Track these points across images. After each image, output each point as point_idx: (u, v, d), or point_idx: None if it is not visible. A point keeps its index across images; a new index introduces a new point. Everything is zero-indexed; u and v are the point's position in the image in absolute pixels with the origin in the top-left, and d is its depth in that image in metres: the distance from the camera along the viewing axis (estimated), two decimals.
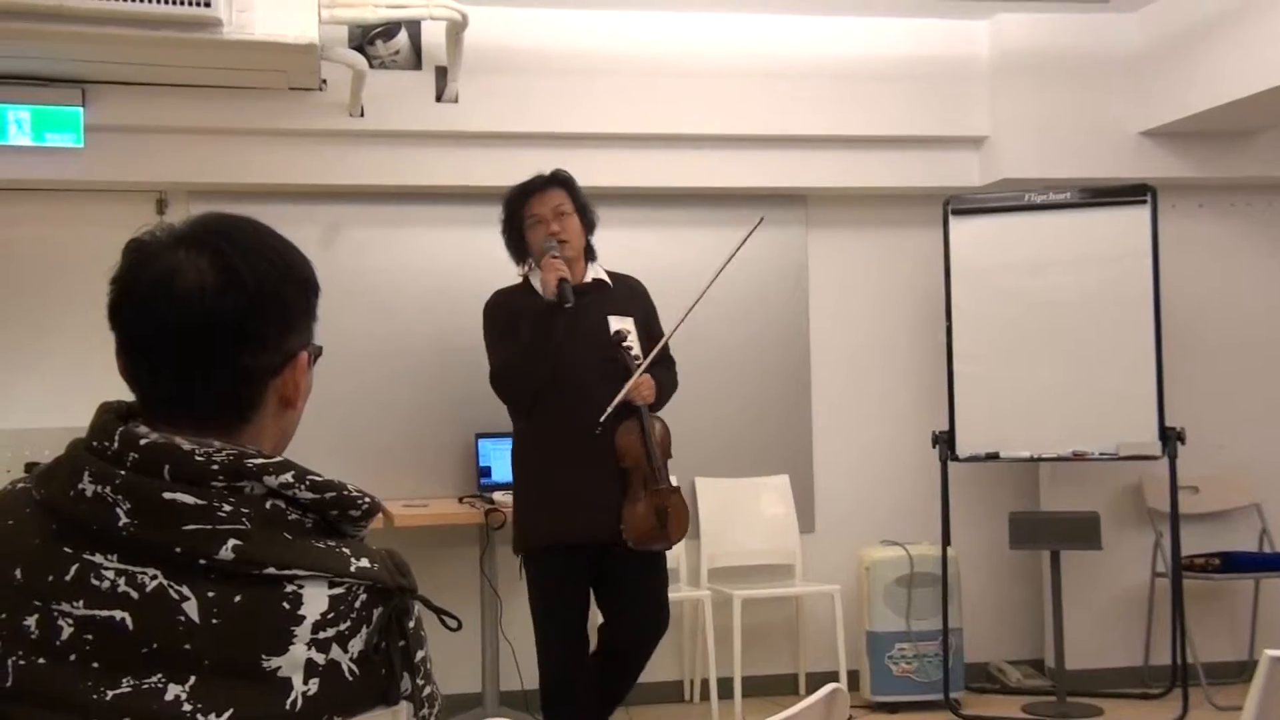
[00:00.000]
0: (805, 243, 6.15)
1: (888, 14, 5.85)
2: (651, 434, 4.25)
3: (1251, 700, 2.09)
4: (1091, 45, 5.91)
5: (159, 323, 1.29)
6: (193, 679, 1.18)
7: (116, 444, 1.25)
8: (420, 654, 1.31)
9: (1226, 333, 6.24)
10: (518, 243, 4.46)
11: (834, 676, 5.41)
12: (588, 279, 4.42)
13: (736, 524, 5.94)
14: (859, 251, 6.21)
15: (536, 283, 4.35)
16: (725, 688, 5.51)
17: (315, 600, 1.22)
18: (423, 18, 5.18)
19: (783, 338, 6.10)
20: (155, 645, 1.19)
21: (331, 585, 1.24)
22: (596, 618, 4.46)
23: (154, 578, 1.20)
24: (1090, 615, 6.00)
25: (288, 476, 1.26)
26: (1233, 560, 5.83)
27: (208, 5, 4.33)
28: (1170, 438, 5.50)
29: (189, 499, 1.21)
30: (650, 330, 4.49)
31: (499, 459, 5.51)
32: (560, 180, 4.42)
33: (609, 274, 4.51)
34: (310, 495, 1.27)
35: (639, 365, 4.27)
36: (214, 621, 1.19)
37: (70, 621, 1.20)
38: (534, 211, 4.38)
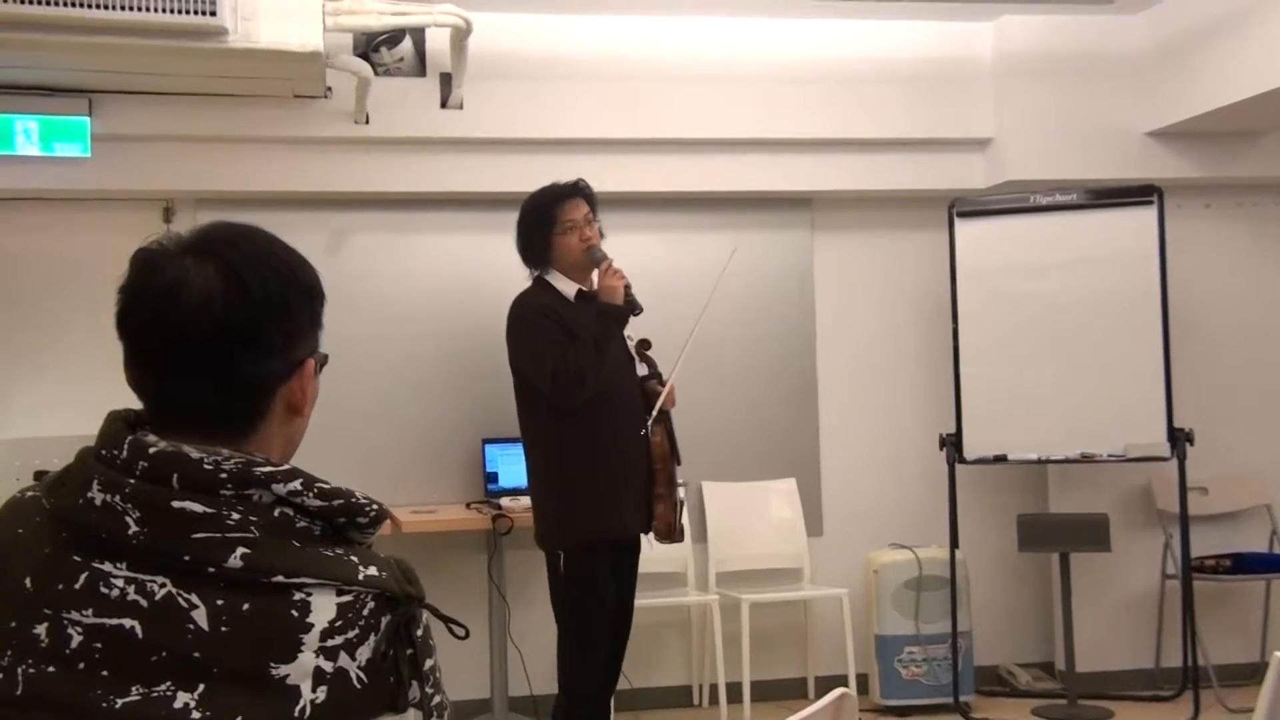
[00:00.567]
0: (811, 246, 6.15)
1: (892, 17, 5.84)
2: (676, 439, 4.50)
3: (1263, 702, 2.09)
4: (1096, 46, 5.90)
5: (166, 332, 1.29)
6: (202, 687, 1.18)
7: (125, 452, 1.25)
8: (429, 662, 1.30)
9: (1234, 332, 6.23)
10: (540, 246, 4.51)
11: (843, 680, 5.41)
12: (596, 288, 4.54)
13: (744, 528, 5.94)
14: (864, 254, 6.21)
15: (561, 286, 4.48)
16: (734, 692, 5.51)
17: (323, 608, 1.22)
18: (427, 25, 5.20)
19: (789, 341, 6.10)
20: (164, 653, 1.19)
21: (340, 593, 1.24)
22: None
23: (163, 586, 1.21)
24: (1100, 617, 5.99)
25: (296, 484, 1.26)
26: (1243, 561, 5.82)
27: (213, 14, 4.34)
28: (1179, 439, 5.49)
29: (198, 507, 1.22)
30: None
31: (506, 464, 5.51)
32: (584, 190, 4.54)
33: None
34: (318, 503, 1.27)
35: (667, 373, 4.53)
36: (223, 629, 1.19)
37: (79, 630, 1.20)
38: (569, 218, 4.47)
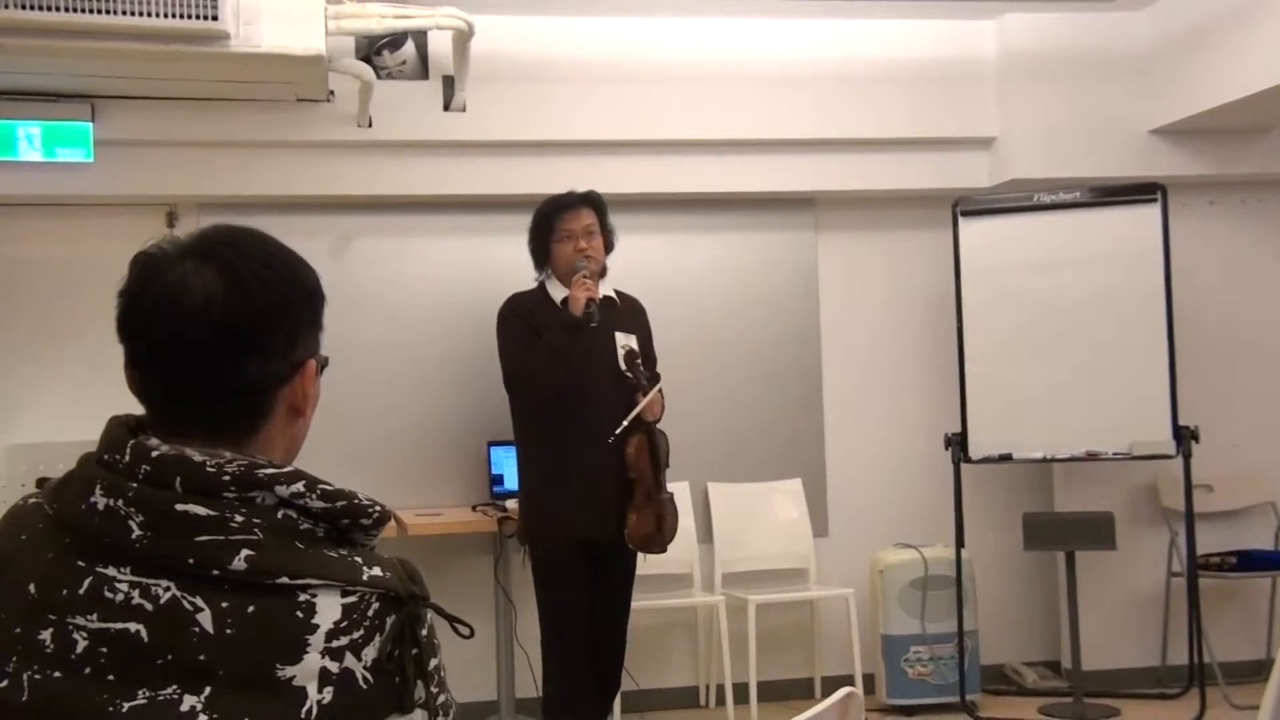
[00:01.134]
0: (815, 246, 6.15)
1: (895, 16, 5.84)
2: (659, 451, 4.54)
3: (1269, 698, 2.09)
4: (1099, 44, 5.90)
5: (167, 335, 1.29)
6: (208, 690, 1.18)
7: (128, 457, 1.25)
8: (434, 662, 1.30)
9: (1239, 330, 6.22)
10: (541, 251, 4.67)
11: (849, 680, 5.41)
12: (600, 296, 4.59)
13: (750, 529, 5.94)
14: (869, 254, 6.21)
15: (554, 291, 4.61)
16: (741, 693, 5.50)
17: (328, 609, 1.22)
18: (429, 27, 5.20)
19: (793, 341, 6.10)
20: (170, 657, 1.19)
21: (344, 594, 1.24)
22: None
23: (167, 589, 1.21)
24: (1106, 616, 5.98)
25: (299, 486, 1.26)
26: (1249, 559, 5.81)
27: (215, 19, 4.35)
28: (1184, 437, 5.49)
29: (201, 510, 1.22)
30: (645, 351, 4.71)
31: (511, 467, 5.51)
32: (593, 202, 4.65)
33: (615, 292, 4.74)
34: (321, 504, 1.27)
35: (651, 385, 4.53)
36: (228, 632, 1.19)
37: (85, 635, 1.20)
38: (567, 227, 4.59)
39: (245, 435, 1.33)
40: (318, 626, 1.21)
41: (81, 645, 1.20)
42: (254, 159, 5.42)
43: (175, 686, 1.18)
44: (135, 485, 1.23)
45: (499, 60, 5.50)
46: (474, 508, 5.47)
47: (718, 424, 5.87)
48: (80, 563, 1.23)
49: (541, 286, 4.69)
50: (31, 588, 1.23)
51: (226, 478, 1.24)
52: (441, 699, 1.31)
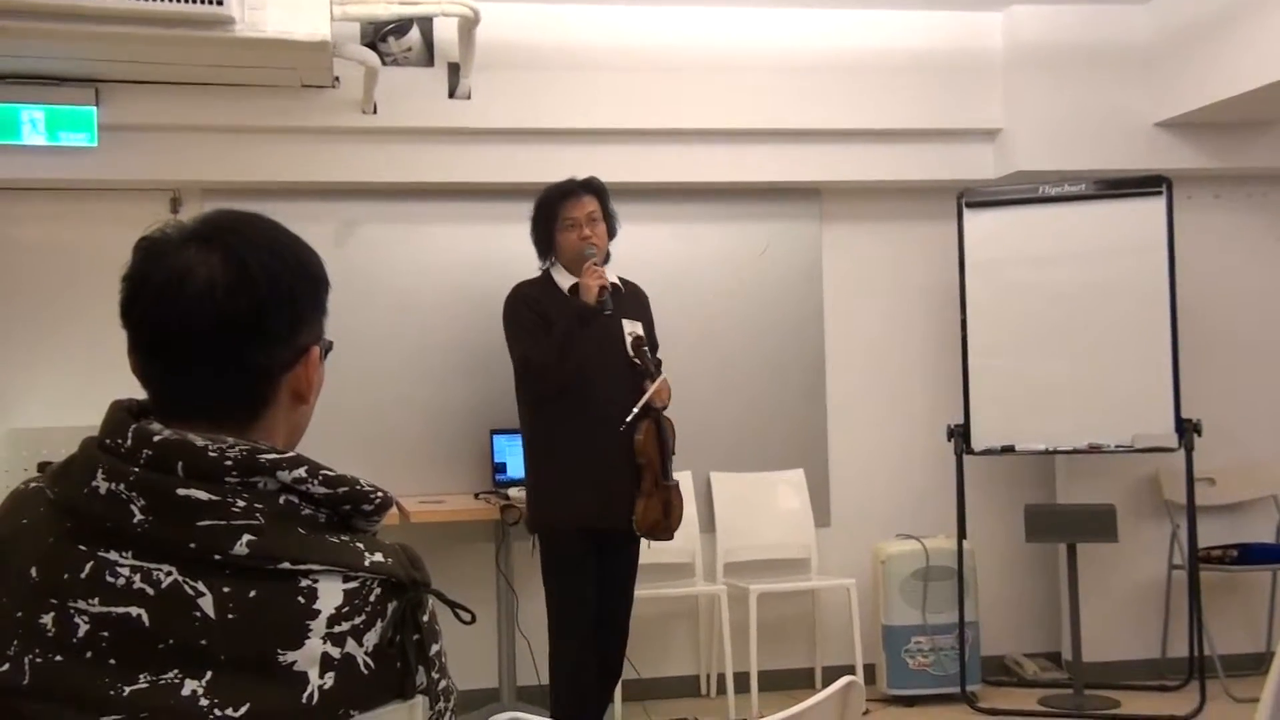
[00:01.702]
0: (819, 236, 6.14)
1: (901, 7, 5.83)
2: (666, 437, 4.52)
3: (1269, 691, 2.09)
4: (1105, 36, 5.89)
5: (170, 320, 1.29)
6: (209, 674, 1.18)
7: (130, 441, 1.25)
8: (435, 647, 1.31)
9: (1243, 324, 6.22)
10: (545, 239, 4.65)
11: (850, 670, 5.40)
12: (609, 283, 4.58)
13: (752, 518, 5.94)
14: (873, 245, 6.20)
15: (560, 279, 4.59)
16: (742, 682, 5.51)
17: (330, 594, 1.23)
18: (434, 14, 5.19)
19: (797, 331, 6.09)
20: (171, 641, 1.19)
21: (346, 579, 1.24)
22: None
23: (169, 574, 1.21)
24: (1107, 608, 5.99)
25: (301, 471, 1.26)
26: (1250, 552, 5.81)
27: (220, 3, 4.34)
28: (1186, 429, 5.48)
29: (203, 495, 1.22)
30: (648, 337, 4.71)
31: (514, 455, 5.51)
32: (594, 188, 4.63)
33: (619, 279, 4.71)
34: (323, 490, 1.27)
35: (658, 370, 4.53)
36: (230, 617, 1.20)
37: (86, 619, 1.20)
38: (571, 215, 4.58)
39: (248, 421, 1.33)
40: (319, 612, 1.21)
41: (83, 629, 1.20)
42: (258, 144, 5.41)
43: (176, 671, 1.18)
44: (137, 470, 1.23)
45: (504, 48, 5.49)
46: (476, 495, 5.48)
47: (720, 413, 5.87)
48: (82, 547, 1.23)
49: (547, 275, 4.66)
50: (33, 572, 1.23)
51: (229, 463, 1.24)
52: (443, 685, 1.31)
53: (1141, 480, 6.05)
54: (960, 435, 5.71)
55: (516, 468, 5.49)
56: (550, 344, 4.42)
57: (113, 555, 1.22)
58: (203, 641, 1.19)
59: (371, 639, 1.24)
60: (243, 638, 1.19)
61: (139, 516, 1.21)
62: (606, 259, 4.65)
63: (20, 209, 5.45)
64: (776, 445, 6.04)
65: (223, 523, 1.21)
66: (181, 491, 1.21)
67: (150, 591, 1.20)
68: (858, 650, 5.60)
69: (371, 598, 1.25)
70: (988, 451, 5.72)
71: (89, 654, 1.19)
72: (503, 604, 5.34)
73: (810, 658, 6.00)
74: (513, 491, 5.25)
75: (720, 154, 5.81)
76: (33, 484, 1.34)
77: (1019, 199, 5.76)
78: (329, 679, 1.20)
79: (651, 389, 4.43)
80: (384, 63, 5.31)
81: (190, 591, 1.20)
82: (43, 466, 1.39)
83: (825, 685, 1.87)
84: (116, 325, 1.33)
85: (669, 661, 5.89)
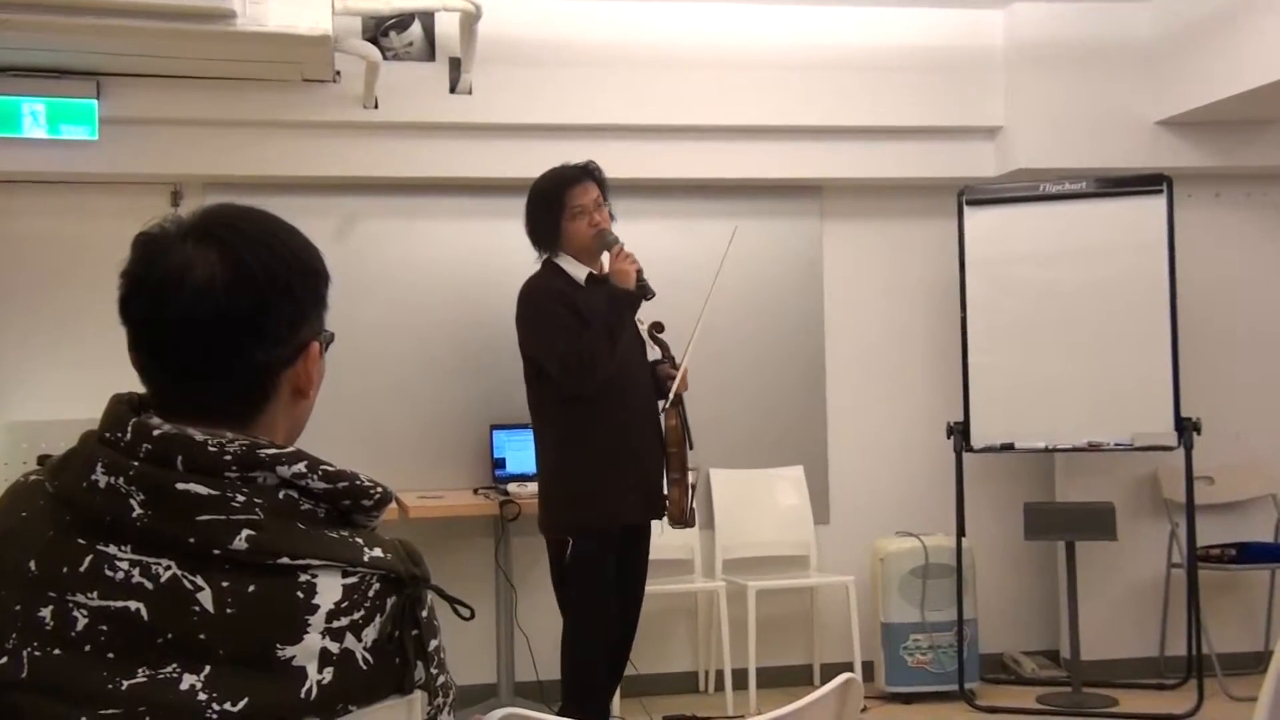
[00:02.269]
0: (820, 233, 6.14)
1: (903, 4, 5.82)
2: (688, 423, 4.46)
3: (1267, 690, 2.09)
4: (1107, 34, 5.88)
5: (170, 316, 1.29)
6: (208, 668, 1.19)
7: (129, 435, 1.25)
8: (434, 643, 1.31)
9: (1243, 322, 6.21)
10: (550, 229, 4.47)
11: (849, 667, 5.41)
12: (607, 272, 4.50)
13: (751, 515, 5.94)
14: (873, 242, 6.20)
15: (572, 270, 4.45)
16: (740, 678, 5.51)
17: (329, 589, 1.23)
18: (436, 9, 5.19)
19: (797, 328, 6.09)
20: (170, 635, 1.19)
21: (345, 574, 1.24)
22: None
23: (168, 568, 1.21)
24: (1105, 606, 5.99)
25: (300, 466, 1.26)
26: (1249, 551, 5.81)
27: None
28: (1186, 428, 5.48)
29: (202, 489, 1.22)
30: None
31: (514, 450, 5.51)
32: (593, 174, 4.51)
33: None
34: (323, 485, 1.27)
35: (681, 355, 4.50)
36: (228, 611, 1.20)
37: (85, 612, 1.20)
38: (578, 202, 4.43)
39: (248, 416, 1.33)
40: (318, 607, 1.22)
41: (81, 623, 1.20)
42: (259, 139, 5.41)
43: (175, 665, 1.19)
44: (136, 464, 1.23)
45: (506, 43, 5.48)
46: (476, 491, 5.48)
47: (720, 410, 5.86)
48: (81, 540, 1.23)
49: (554, 266, 4.48)
50: (32, 565, 1.23)
51: (228, 457, 1.24)
52: (441, 680, 1.31)
53: (1141, 479, 6.05)
54: (960, 433, 5.71)
55: (516, 463, 5.49)
56: (597, 336, 4.23)
57: (112, 549, 1.22)
58: (201, 636, 1.19)
59: (370, 634, 1.24)
60: (241, 632, 1.20)
61: (138, 510, 1.21)
62: None
63: (20, 202, 5.45)
64: (776, 442, 6.04)
65: (222, 517, 1.21)
66: (181, 486, 1.22)
67: (149, 585, 1.20)
68: (856, 647, 5.60)
69: (370, 593, 1.25)
70: (987, 449, 5.72)
71: (87, 647, 1.19)
72: (501, 599, 5.34)
73: (809, 655, 6.00)
74: (512, 487, 5.24)
75: (721, 150, 5.81)
76: (32, 477, 1.34)
77: (1019, 197, 5.76)
78: (328, 674, 1.21)
79: (679, 374, 4.39)
80: (385, 57, 5.30)
81: (189, 586, 1.20)
82: (42, 459, 1.39)
83: (824, 682, 1.87)
84: (116, 319, 1.33)
85: (668, 658, 5.89)
